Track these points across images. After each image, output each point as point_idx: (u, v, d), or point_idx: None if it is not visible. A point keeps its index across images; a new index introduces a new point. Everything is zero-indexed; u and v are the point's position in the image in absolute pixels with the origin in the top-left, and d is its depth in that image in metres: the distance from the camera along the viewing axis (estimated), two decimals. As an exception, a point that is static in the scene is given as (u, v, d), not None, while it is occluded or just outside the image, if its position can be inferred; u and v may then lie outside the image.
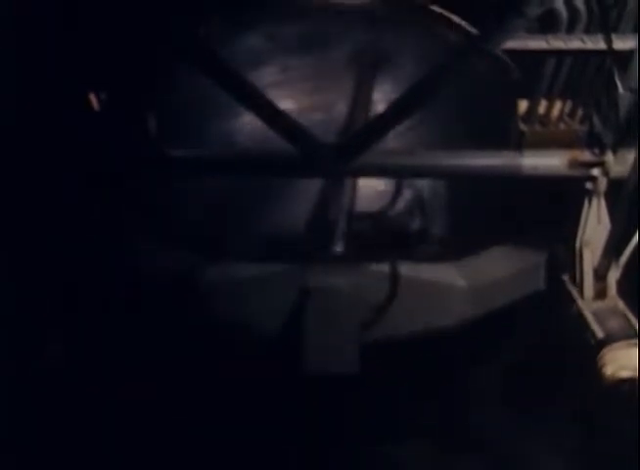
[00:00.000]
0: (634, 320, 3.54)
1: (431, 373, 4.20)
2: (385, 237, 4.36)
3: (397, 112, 3.96)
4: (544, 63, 3.72)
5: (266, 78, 4.80)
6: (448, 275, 3.91)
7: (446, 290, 3.91)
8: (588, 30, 3.60)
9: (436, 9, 4.69)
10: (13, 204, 3.72)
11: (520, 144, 3.98)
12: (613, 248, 3.71)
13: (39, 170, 3.82)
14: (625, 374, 3.39)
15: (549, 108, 3.91)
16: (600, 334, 3.54)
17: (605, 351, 3.46)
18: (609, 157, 3.84)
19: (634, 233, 3.70)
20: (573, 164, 3.90)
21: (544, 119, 3.95)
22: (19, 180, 3.73)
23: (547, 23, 3.58)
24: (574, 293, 3.72)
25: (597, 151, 3.87)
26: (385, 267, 3.82)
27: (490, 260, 4.04)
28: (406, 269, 3.85)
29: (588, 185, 3.89)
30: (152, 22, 3.70)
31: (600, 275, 3.76)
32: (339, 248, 3.97)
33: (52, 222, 3.90)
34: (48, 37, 3.69)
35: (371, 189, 4.44)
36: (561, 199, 3.98)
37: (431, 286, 3.89)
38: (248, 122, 4.44)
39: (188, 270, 3.82)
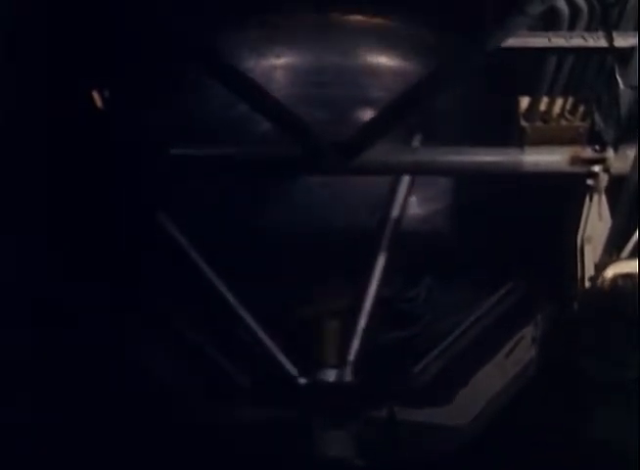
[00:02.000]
0: None
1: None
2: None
3: (399, 109, 3.98)
4: (546, 60, 3.73)
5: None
6: (447, 418, 4.13)
7: (446, 430, 4.13)
8: (589, 28, 3.61)
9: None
10: (13, 202, 3.73)
11: (521, 141, 3.99)
12: (614, 244, 3.73)
13: (40, 169, 3.84)
14: (627, 270, 3.53)
15: (550, 105, 3.91)
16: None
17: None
18: (610, 153, 3.86)
19: (635, 229, 3.72)
20: (575, 160, 3.92)
21: (546, 116, 3.96)
22: (19, 179, 3.74)
23: (549, 21, 3.59)
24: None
25: (598, 147, 3.89)
26: (385, 414, 4.10)
27: (485, 380, 4.19)
28: (406, 414, 4.11)
29: (589, 181, 3.92)
30: (154, 21, 3.73)
31: (601, 271, 3.78)
32: (348, 377, 4.18)
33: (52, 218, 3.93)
34: (49, 36, 3.69)
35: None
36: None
37: (430, 429, 4.13)
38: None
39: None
